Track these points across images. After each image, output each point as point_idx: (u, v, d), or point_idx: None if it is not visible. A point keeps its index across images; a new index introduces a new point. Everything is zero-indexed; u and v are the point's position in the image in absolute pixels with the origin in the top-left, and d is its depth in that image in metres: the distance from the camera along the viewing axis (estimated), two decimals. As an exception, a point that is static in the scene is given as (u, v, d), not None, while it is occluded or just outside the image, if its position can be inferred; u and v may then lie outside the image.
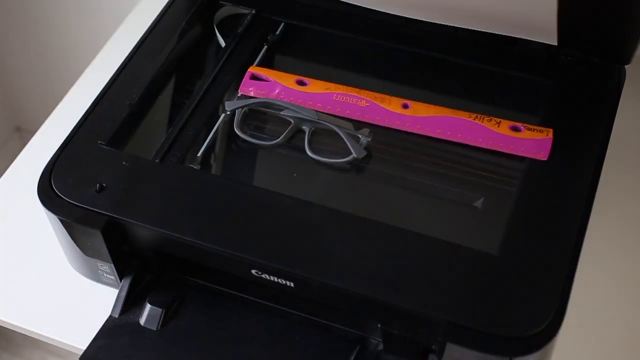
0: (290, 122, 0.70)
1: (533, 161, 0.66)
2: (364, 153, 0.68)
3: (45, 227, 0.70)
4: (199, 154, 0.69)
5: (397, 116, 0.70)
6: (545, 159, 0.66)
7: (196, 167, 0.69)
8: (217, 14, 0.82)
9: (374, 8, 0.77)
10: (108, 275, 0.70)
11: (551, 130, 0.67)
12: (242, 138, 0.71)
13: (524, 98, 0.74)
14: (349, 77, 0.76)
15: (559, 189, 0.64)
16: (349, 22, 0.78)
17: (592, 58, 0.72)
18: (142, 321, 0.67)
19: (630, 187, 0.80)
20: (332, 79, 0.74)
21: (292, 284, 0.61)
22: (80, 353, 0.66)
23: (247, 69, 0.75)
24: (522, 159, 0.67)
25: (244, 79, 0.75)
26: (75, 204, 0.65)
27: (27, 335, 0.74)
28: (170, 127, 0.71)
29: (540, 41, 0.73)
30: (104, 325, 0.67)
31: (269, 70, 0.76)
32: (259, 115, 0.73)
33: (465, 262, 0.59)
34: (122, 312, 0.68)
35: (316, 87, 0.73)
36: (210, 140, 0.70)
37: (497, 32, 0.73)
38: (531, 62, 0.74)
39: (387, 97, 0.72)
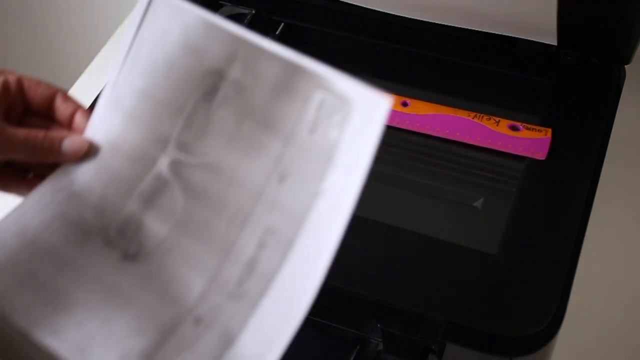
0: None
1: (532, 161, 0.66)
2: (364, 153, 0.68)
3: (45, 227, 0.70)
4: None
5: (396, 114, 0.70)
6: (544, 158, 0.66)
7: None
8: (217, 14, 0.82)
9: (374, 8, 0.77)
10: (108, 275, 0.70)
11: (550, 129, 0.67)
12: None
13: (524, 98, 0.74)
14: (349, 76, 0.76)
15: (559, 188, 0.64)
16: (349, 22, 0.78)
17: (592, 58, 0.72)
18: (142, 321, 0.67)
19: (630, 187, 0.80)
20: (332, 79, 0.74)
21: (292, 284, 0.61)
22: (80, 353, 0.66)
23: (247, 69, 0.75)
24: (521, 158, 0.67)
25: (243, 79, 0.74)
26: (75, 204, 0.64)
27: (27, 335, 0.74)
28: (170, 127, 0.71)
29: (540, 41, 0.73)
30: (103, 325, 0.67)
31: (268, 70, 0.76)
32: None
33: (465, 262, 0.59)
34: (122, 312, 0.68)
35: (316, 87, 0.73)
36: (210, 140, 0.70)
37: (497, 32, 0.73)
38: (531, 62, 0.74)
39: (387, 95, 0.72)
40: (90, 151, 0.49)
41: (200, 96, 0.48)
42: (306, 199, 0.44)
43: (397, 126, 0.70)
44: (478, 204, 0.66)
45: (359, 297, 0.58)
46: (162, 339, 0.44)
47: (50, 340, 0.44)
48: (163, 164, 0.48)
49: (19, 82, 0.50)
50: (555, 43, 0.72)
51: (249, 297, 0.44)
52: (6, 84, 0.49)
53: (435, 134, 0.69)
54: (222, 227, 0.46)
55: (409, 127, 0.70)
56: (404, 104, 0.71)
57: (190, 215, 0.47)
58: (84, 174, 0.49)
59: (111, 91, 0.50)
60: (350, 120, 0.43)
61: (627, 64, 0.72)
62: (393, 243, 0.61)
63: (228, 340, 0.43)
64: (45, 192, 0.48)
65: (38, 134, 0.49)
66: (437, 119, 0.70)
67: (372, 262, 0.59)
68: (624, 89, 0.72)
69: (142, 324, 0.44)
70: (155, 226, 0.47)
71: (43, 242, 0.47)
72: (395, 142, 0.70)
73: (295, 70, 0.46)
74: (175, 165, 0.48)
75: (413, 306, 0.57)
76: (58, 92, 0.52)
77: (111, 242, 0.47)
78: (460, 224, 0.66)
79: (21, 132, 0.48)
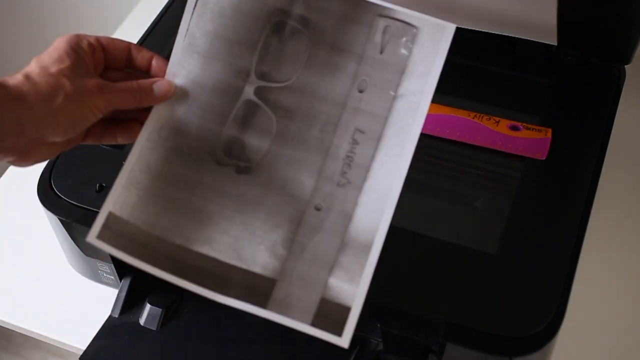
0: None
1: (532, 160, 0.66)
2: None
3: (45, 227, 0.70)
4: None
5: (397, 116, 0.70)
6: (544, 158, 0.66)
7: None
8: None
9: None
10: (108, 275, 0.70)
11: (550, 129, 0.67)
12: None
13: (524, 98, 0.74)
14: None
15: (559, 188, 0.64)
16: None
17: (592, 58, 0.72)
18: (142, 321, 0.67)
19: (630, 187, 0.80)
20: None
21: (292, 284, 0.61)
22: (80, 353, 0.66)
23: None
24: (521, 158, 0.67)
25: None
26: (75, 204, 0.65)
27: (27, 335, 0.74)
28: (170, 127, 0.71)
29: (540, 41, 0.73)
30: (104, 325, 0.67)
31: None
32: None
33: (465, 262, 0.59)
34: (122, 312, 0.68)
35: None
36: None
37: (497, 32, 0.73)
38: (531, 62, 0.74)
39: (387, 97, 0.72)
40: (176, 91, 0.56)
41: (269, 32, 0.56)
42: (386, 102, 0.55)
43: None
44: (478, 204, 0.66)
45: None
46: (296, 228, 0.54)
47: (207, 250, 0.54)
48: (249, 92, 0.56)
49: (99, 42, 0.55)
50: (555, 43, 0.72)
51: (354, 183, 0.54)
52: (91, 46, 0.54)
53: (435, 134, 0.69)
54: (317, 133, 0.55)
55: (409, 127, 0.70)
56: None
57: (286, 129, 0.55)
58: (178, 110, 0.56)
59: (184, 37, 0.57)
60: (417, 42, 0.55)
61: (627, 64, 0.72)
62: (393, 243, 0.61)
63: (347, 218, 0.54)
64: (151, 131, 0.56)
65: (132, 82, 0.55)
66: (436, 119, 0.70)
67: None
68: (624, 89, 0.72)
69: (275, 220, 0.54)
70: (257, 142, 0.55)
71: (166, 173, 0.55)
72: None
73: (357, 3, 0.56)
74: (261, 91, 0.56)
75: (413, 306, 0.57)
76: (131, 45, 0.57)
77: (222, 162, 0.55)
78: (460, 224, 0.66)
79: (120, 84, 0.54)
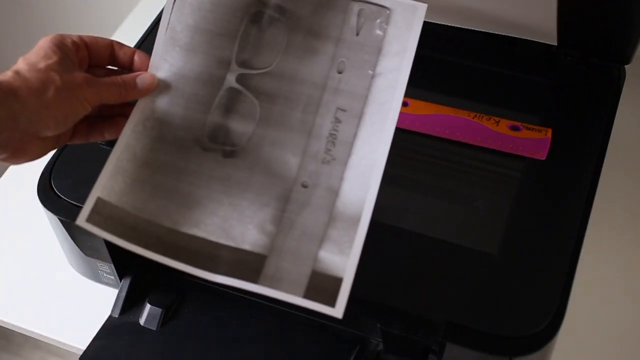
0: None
1: (532, 161, 0.66)
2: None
3: (45, 227, 0.70)
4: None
5: (397, 116, 0.70)
6: (544, 158, 0.66)
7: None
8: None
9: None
10: (108, 275, 0.70)
11: (550, 129, 0.67)
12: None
13: (524, 98, 0.74)
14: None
15: (559, 188, 0.64)
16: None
17: (592, 58, 0.72)
18: (142, 321, 0.67)
19: (630, 187, 0.80)
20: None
21: (292, 284, 0.61)
22: (80, 353, 0.66)
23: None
24: (521, 158, 0.67)
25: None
26: (75, 204, 0.65)
27: (27, 335, 0.74)
28: (170, 127, 0.71)
29: (540, 41, 0.73)
30: (104, 325, 0.67)
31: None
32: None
33: (465, 262, 0.59)
34: (122, 312, 0.68)
35: (316, 87, 0.73)
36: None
37: (497, 32, 0.73)
38: (531, 62, 0.74)
39: (387, 97, 0.72)
40: (159, 83, 0.58)
41: (248, 22, 0.58)
42: (365, 81, 0.56)
43: (397, 126, 0.70)
44: (478, 204, 0.66)
45: (359, 297, 0.58)
46: (283, 206, 0.55)
47: (196, 231, 0.55)
48: (231, 80, 0.58)
49: (82, 39, 0.56)
50: (555, 43, 0.72)
51: (338, 159, 0.56)
52: (75, 44, 0.55)
53: (435, 134, 0.69)
54: (299, 114, 0.57)
55: (409, 127, 0.70)
56: (404, 104, 0.71)
57: (269, 112, 0.57)
58: (161, 102, 0.57)
59: (166, 31, 0.58)
60: (391, 22, 0.57)
61: (627, 64, 0.72)
62: (393, 243, 0.61)
63: (334, 193, 0.55)
64: (136, 123, 0.57)
65: (117, 77, 0.56)
66: (437, 119, 0.70)
67: (372, 262, 0.59)
68: (624, 89, 0.72)
69: (263, 199, 0.55)
70: (241, 127, 0.57)
71: (153, 161, 0.57)
72: (395, 142, 0.70)
73: None
74: (242, 78, 0.58)
75: (413, 306, 0.57)
76: (113, 41, 0.58)
77: (208, 147, 0.57)
78: (460, 224, 0.66)
79: (106, 79, 0.55)
